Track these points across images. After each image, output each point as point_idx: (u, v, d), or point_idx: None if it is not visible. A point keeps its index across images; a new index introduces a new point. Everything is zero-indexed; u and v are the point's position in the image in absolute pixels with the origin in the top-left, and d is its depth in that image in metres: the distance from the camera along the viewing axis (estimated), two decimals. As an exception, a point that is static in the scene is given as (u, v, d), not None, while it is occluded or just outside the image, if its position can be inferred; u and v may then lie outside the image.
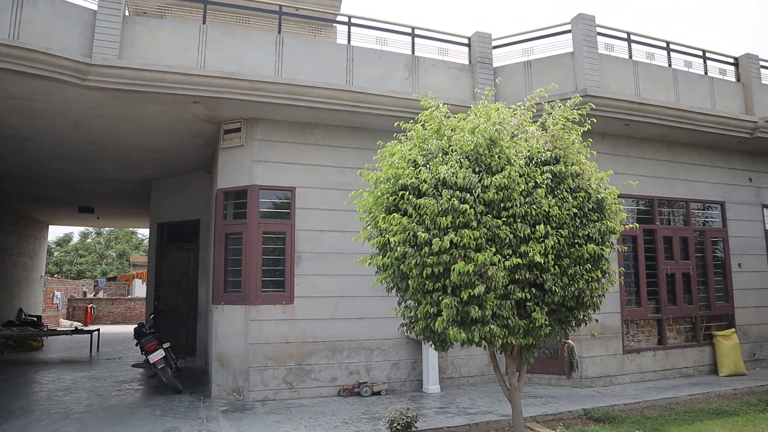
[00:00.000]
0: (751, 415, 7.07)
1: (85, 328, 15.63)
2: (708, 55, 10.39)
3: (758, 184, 11.30)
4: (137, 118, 8.53)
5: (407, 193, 5.08)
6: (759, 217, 11.21)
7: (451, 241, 4.73)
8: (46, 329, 15.48)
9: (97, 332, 14.39)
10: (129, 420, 6.93)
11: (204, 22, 7.99)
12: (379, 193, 5.37)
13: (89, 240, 43.08)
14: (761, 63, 10.65)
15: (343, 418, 6.90)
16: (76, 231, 43.87)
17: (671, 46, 10.00)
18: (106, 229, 41.12)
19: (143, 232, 42.30)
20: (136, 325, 9.23)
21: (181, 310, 11.84)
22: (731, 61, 10.65)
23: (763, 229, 11.22)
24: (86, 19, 7.20)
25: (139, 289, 29.06)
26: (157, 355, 8.41)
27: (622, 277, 9.08)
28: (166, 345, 8.91)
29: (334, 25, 10.49)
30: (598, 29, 9.08)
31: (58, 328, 18.91)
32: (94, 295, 30.57)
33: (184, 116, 8.45)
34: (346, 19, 8.87)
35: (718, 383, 9.07)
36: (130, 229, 40.74)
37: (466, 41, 9.31)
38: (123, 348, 14.93)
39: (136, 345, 8.94)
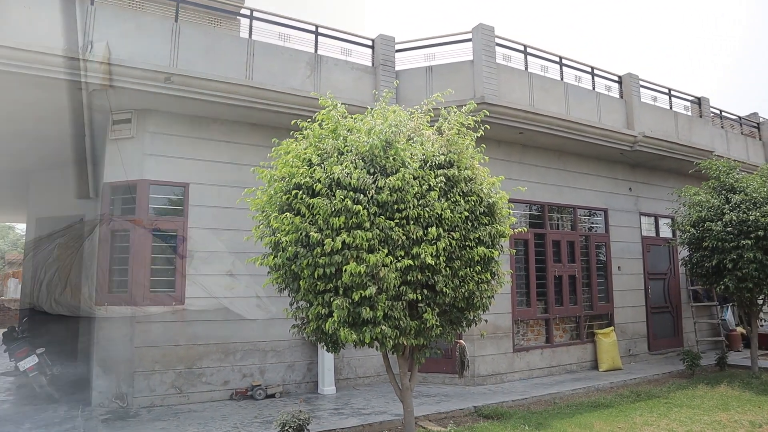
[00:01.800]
0: (623, 406, 7.64)
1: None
2: (596, 71, 11.12)
3: (636, 194, 12.24)
4: (13, 103, 7.79)
5: (301, 192, 4.99)
6: (636, 224, 12.15)
7: (344, 242, 4.70)
8: None
9: (-38, 337, 12.99)
10: (-9, 434, 6.32)
11: (92, 3, 7.44)
12: (272, 192, 5.25)
13: (-43, 235, 38.96)
14: (641, 83, 11.57)
15: (234, 423, 6.67)
16: (-60, 225, 39.38)
17: (564, 61, 10.61)
18: (-21, 223, 37.38)
19: (23, 227, 38.86)
20: (6, 330, 8.44)
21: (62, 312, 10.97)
22: (616, 78, 11.47)
23: (640, 234, 12.17)
24: (-52, -12, 6.48)
25: (16, 289, 26.62)
26: (28, 362, 7.74)
27: (513, 279, 9.51)
28: (41, 350, 8.24)
29: (237, 18, 10.14)
30: (498, 40, 9.45)
31: None
32: (-39, 297, 27.62)
33: (67, 103, 7.81)
34: (248, 12, 8.61)
35: (598, 378, 9.71)
36: (7, 224, 37.24)
37: (369, 43, 9.35)
38: (-7, 355, 13.59)
39: (5, 351, 8.16)
